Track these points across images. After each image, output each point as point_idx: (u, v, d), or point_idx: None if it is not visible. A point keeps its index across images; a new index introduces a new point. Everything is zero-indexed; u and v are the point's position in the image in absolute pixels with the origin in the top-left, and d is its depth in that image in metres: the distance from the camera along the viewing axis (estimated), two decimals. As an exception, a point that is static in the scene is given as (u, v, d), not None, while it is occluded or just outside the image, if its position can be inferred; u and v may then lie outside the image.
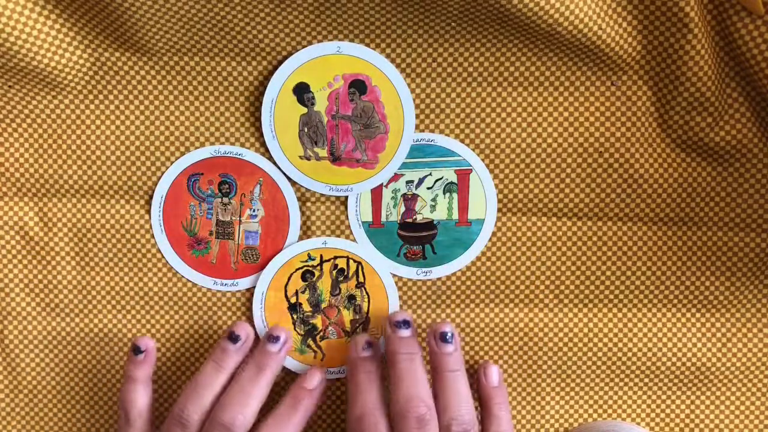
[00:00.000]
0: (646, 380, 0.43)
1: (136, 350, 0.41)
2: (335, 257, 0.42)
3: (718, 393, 0.43)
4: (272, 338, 0.41)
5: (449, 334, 0.40)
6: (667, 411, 0.44)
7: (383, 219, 0.42)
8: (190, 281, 0.43)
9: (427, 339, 0.41)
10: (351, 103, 0.40)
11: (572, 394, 0.44)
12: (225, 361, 0.41)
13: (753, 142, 0.40)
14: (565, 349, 0.43)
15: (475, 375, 0.43)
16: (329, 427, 0.45)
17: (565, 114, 0.40)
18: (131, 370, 0.41)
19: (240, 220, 0.42)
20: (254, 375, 0.40)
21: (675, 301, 0.43)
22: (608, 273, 0.42)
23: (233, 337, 0.41)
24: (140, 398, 0.41)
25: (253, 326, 0.43)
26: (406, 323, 0.40)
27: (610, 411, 0.44)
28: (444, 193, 0.42)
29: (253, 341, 0.42)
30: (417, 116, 0.41)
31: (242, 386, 0.39)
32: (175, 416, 0.39)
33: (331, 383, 0.44)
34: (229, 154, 0.41)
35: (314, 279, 0.43)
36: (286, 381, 0.44)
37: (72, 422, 0.45)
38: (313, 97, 0.40)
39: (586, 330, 0.43)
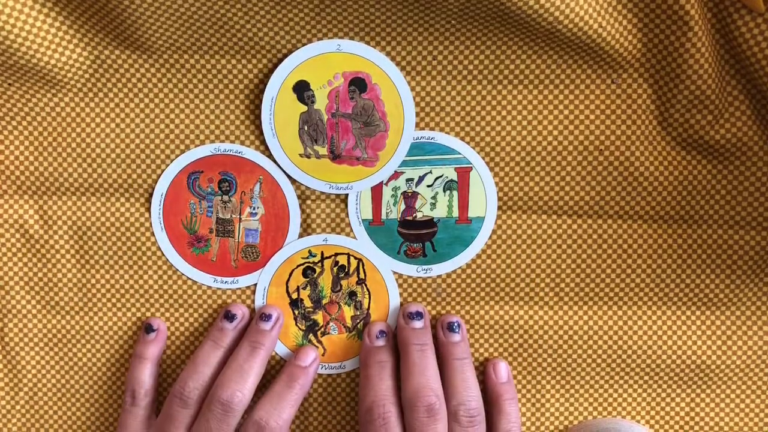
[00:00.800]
0: (647, 378, 0.43)
1: (148, 329, 0.42)
2: (336, 254, 0.42)
3: (718, 391, 0.43)
4: (264, 316, 0.42)
5: (456, 324, 0.41)
6: (668, 409, 0.44)
7: (383, 217, 0.42)
8: (191, 279, 0.43)
9: (435, 331, 0.42)
10: (351, 101, 0.40)
11: (572, 391, 0.44)
12: (222, 339, 0.42)
13: (753, 140, 0.40)
14: (565, 346, 0.43)
15: (483, 371, 0.43)
16: (329, 423, 0.45)
17: (566, 112, 0.40)
18: (141, 349, 0.42)
19: (240, 218, 0.42)
20: (249, 354, 0.41)
21: (675, 298, 0.43)
22: (608, 271, 0.42)
23: (229, 316, 0.42)
24: (148, 378, 0.42)
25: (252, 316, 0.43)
26: (419, 315, 0.41)
27: (610, 408, 0.44)
28: (444, 191, 0.42)
29: (248, 320, 0.43)
30: (417, 114, 0.41)
31: (239, 365, 0.40)
32: (176, 393, 0.40)
33: (332, 379, 0.44)
34: (229, 152, 0.41)
35: (315, 275, 0.43)
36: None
37: (72, 421, 0.45)
38: (313, 95, 0.40)
39: (586, 328, 0.43)
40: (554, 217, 0.42)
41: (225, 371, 0.40)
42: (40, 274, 0.43)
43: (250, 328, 0.42)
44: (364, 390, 0.40)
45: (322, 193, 0.42)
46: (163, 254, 0.43)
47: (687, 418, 0.44)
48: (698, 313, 0.43)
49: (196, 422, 0.40)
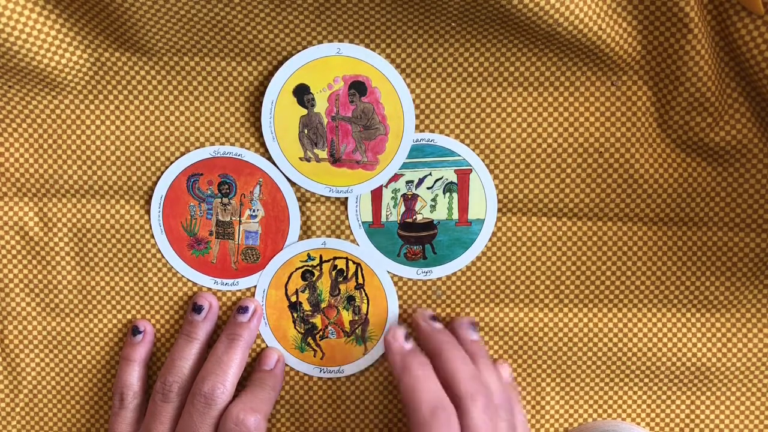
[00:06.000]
0: (646, 380, 0.43)
1: (135, 331, 0.43)
2: (335, 258, 0.42)
3: (718, 393, 0.43)
4: (241, 309, 0.42)
5: (474, 324, 0.42)
6: (667, 411, 0.44)
7: (383, 219, 0.42)
8: (191, 281, 0.43)
9: (453, 331, 0.41)
10: (351, 104, 0.40)
11: (572, 394, 0.44)
12: (194, 332, 0.42)
13: (753, 142, 0.40)
14: (565, 349, 0.43)
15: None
16: (329, 426, 0.45)
17: (565, 114, 0.40)
18: (128, 352, 0.43)
19: (240, 221, 0.42)
20: (228, 346, 0.41)
21: (675, 301, 0.43)
22: (608, 273, 0.42)
23: (197, 308, 0.42)
24: (136, 380, 0.42)
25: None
26: (435, 318, 0.42)
27: (610, 411, 0.44)
28: (444, 193, 0.42)
29: (218, 309, 0.43)
30: (417, 116, 0.41)
31: (218, 358, 0.41)
32: (157, 389, 0.41)
33: (332, 382, 0.44)
34: (228, 155, 0.41)
35: (314, 279, 0.43)
36: (289, 385, 0.44)
37: (72, 422, 0.45)
38: (313, 99, 0.40)
39: (586, 330, 0.43)
40: (554, 219, 0.42)
41: (205, 365, 0.41)
42: (39, 276, 0.43)
43: (229, 321, 0.42)
44: (418, 393, 0.37)
45: (322, 195, 0.42)
46: (162, 256, 0.43)
47: (687, 421, 0.44)
48: (698, 315, 0.43)
49: (180, 418, 0.40)
